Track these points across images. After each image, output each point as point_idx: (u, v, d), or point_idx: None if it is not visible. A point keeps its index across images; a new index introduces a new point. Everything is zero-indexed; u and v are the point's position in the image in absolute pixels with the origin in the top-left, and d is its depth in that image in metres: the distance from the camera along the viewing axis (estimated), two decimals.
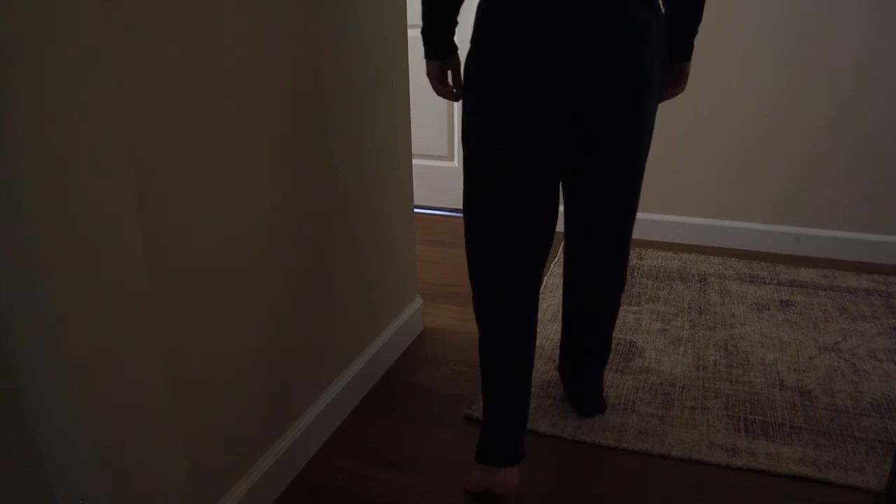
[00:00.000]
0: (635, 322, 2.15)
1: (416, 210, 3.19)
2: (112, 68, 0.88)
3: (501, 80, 1.26)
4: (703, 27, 2.54)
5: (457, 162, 3.10)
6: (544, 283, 2.38)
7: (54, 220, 0.81)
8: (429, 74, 1.46)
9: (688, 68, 1.50)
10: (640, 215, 2.84)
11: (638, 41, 1.25)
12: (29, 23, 0.74)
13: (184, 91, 1.06)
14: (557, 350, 1.98)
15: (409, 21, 2.46)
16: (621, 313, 2.19)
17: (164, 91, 1.01)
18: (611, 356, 1.92)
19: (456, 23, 1.39)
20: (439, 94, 1.48)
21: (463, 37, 2.53)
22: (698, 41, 2.09)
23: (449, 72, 1.46)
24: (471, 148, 1.35)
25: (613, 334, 2.04)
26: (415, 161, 3.13)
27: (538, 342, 2.03)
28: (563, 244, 1.78)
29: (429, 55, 1.43)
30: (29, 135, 0.77)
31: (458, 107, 3.01)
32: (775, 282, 2.44)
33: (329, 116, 1.50)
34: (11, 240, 0.79)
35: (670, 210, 2.81)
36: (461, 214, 3.03)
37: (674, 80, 1.50)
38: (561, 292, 1.99)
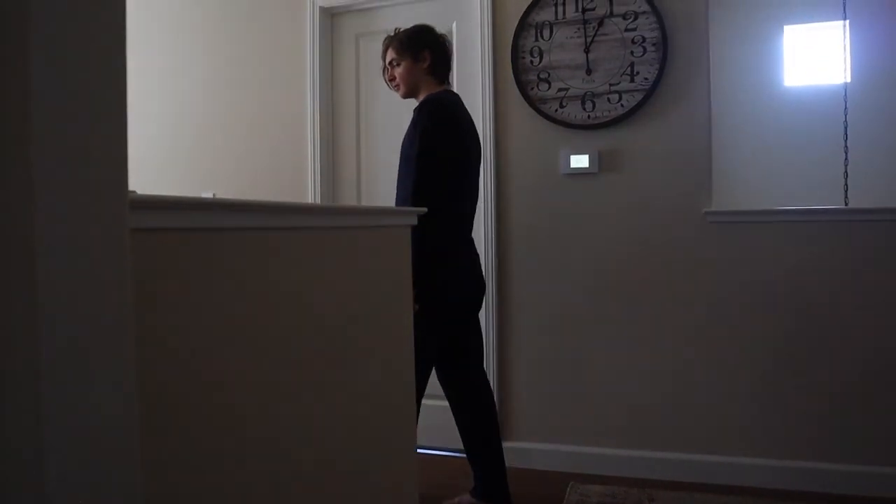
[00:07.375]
0: None
1: (419, 450, 3.12)
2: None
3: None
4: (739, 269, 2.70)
5: None
6: None
7: None
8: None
9: None
10: (647, 453, 2.78)
11: None
12: None
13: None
14: None
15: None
16: None
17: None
18: None
19: None
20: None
21: None
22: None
23: None
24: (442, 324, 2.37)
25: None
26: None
27: None
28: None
29: (421, 286, 2.10)
30: None
31: None
32: None
33: (331, 357, 1.56)
34: None
35: (679, 448, 2.75)
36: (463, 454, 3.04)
37: None
38: None
